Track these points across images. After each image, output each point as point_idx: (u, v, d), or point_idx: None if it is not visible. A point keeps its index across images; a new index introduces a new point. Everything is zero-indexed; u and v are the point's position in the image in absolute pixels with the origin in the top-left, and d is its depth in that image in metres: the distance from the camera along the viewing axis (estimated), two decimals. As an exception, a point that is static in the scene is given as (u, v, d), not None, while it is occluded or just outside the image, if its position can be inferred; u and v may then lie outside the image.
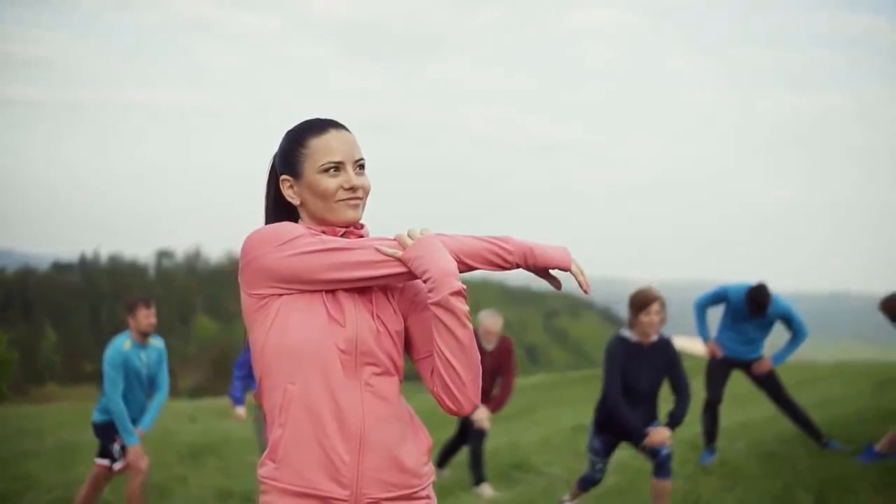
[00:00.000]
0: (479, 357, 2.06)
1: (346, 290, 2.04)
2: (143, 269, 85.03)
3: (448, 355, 2.00)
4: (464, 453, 7.25)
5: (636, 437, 5.12)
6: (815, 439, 6.92)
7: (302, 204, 2.14)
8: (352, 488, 2.00)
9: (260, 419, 6.77)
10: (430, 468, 2.13)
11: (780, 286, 6.99)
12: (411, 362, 2.17)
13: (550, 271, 2.14)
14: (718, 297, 6.99)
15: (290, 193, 2.14)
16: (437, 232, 2.09)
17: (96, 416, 6.09)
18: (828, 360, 17.52)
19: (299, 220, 2.16)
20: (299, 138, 2.13)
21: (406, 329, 2.13)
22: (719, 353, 6.98)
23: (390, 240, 2.06)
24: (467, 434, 7.02)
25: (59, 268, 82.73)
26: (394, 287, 2.13)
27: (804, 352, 7.39)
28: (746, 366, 7.02)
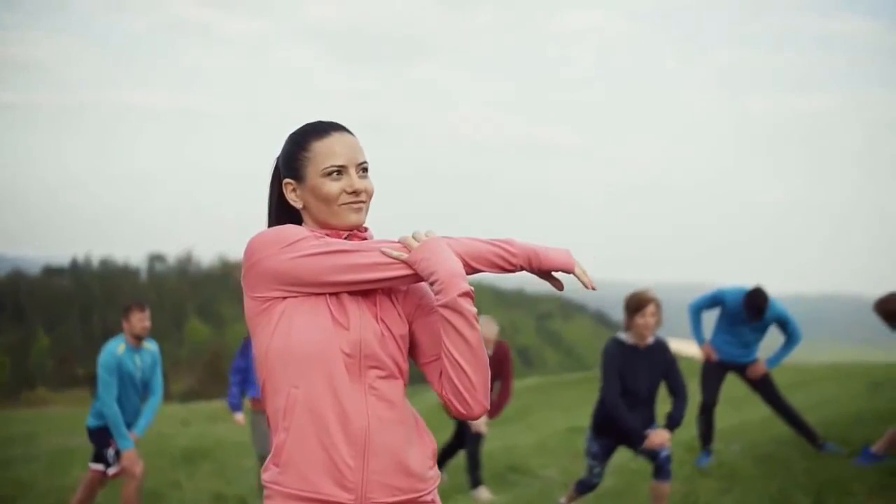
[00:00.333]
0: (488, 359, 2.05)
1: (350, 294, 2.03)
2: (135, 273, 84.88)
3: (457, 357, 1.99)
4: (460, 457, 7.24)
5: (636, 440, 5.11)
6: (810, 442, 6.92)
7: (305, 207, 2.12)
8: (357, 492, 1.98)
9: (257, 424, 6.75)
10: (435, 472, 2.11)
11: (773, 288, 6.99)
12: (417, 366, 2.15)
13: (553, 273, 2.14)
14: (714, 300, 6.99)
15: (293, 197, 2.13)
16: (442, 235, 2.07)
17: (91, 421, 6.06)
18: (821, 362, 17.55)
19: (302, 224, 2.14)
20: (302, 141, 2.12)
21: (412, 333, 2.11)
22: (714, 357, 6.98)
23: (395, 242, 2.05)
24: (464, 438, 7.01)
25: (51, 272, 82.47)
26: (398, 291, 2.11)
27: (797, 354, 7.39)
28: (741, 369, 7.02)
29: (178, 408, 19.44)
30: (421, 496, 2.05)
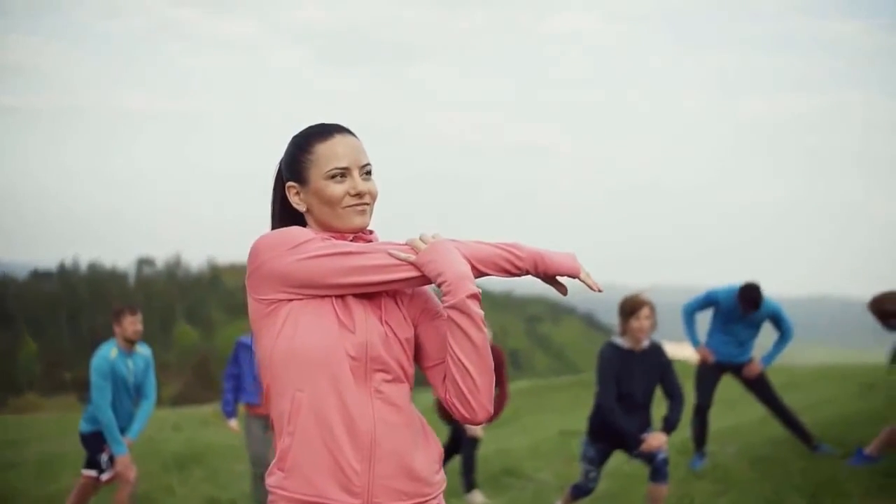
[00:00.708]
0: (493, 363, 2.03)
1: (355, 296, 2.01)
2: (123, 277, 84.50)
3: (463, 359, 1.97)
4: (454, 460, 7.22)
5: (632, 444, 5.10)
6: (805, 443, 6.93)
7: (308, 210, 2.10)
8: (363, 497, 1.96)
9: (250, 429, 6.72)
10: (441, 476, 2.09)
11: (766, 291, 7.00)
12: (421, 370, 2.13)
13: (558, 278, 2.12)
14: (708, 301, 7.00)
15: (296, 200, 2.10)
16: (449, 238, 2.06)
17: (83, 426, 6.01)
18: (809, 364, 17.61)
19: (306, 227, 2.12)
20: (304, 144, 2.10)
21: (416, 337, 2.09)
22: (711, 358, 6.98)
23: (402, 244, 2.03)
24: (459, 442, 7.00)
25: (38, 276, 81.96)
26: (403, 294, 2.10)
27: (792, 356, 7.41)
28: (737, 369, 7.02)
29: (168, 412, 19.33)
30: (427, 500, 2.04)
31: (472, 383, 1.98)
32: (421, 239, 2.02)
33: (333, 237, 2.05)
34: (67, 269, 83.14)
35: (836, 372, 14.36)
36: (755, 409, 8.38)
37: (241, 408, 7.04)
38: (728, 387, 7.62)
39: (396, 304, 2.07)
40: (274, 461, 2.02)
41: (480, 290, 1.98)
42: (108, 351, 5.87)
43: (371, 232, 2.13)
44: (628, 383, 5.15)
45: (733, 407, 9.83)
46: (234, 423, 6.90)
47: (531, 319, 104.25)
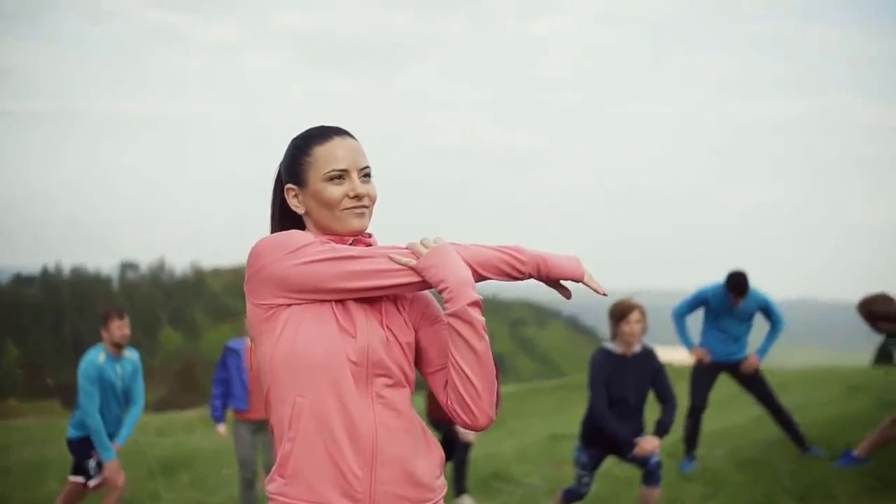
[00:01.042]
0: (495, 369, 2.01)
1: (356, 300, 1.99)
2: (107, 282, 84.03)
3: (464, 367, 1.95)
4: (446, 465, 7.20)
5: (625, 449, 5.10)
6: (797, 444, 6.95)
7: (307, 213, 2.08)
8: (365, 503, 1.94)
9: (239, 434, 6.68)
10: (442, 481, 2.08)
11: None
12: (422, 376, 2.11)
13: (561, 282, 2.10)
14: (697, 301, 7.02)
15: (294, 203, 2.09)
16: (450, 241, 2.04)
17: (71, 432, 5.96)
18: (796, 367, 17.69)
19: (305, 230, 2.10)
20: (303, 146, 2.08)
21: (417, 342, 2.07)
22: (707, 358, 6.99)
23: (403, 248, 2.01)
24: (451, 447, 6.98)
25: (21, 281, 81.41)
26: (403, 298, 2.08)
27: (772, 358, 7.44)
28: (733, 367, 7.02)
29: (153, 417, 19.18)
30: None
31: (474, 390, 1.97)
32: (422, 243, 2.01)
33: (333, 240, 2.03)
34: (50, 273, 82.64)
35: (822, 374, 14.42)
36: (743, 412, 8.42)
37: (229, 413, 7.00)
38: (717, 389, 7.62)
39: (397, 308, 2.06)
40: (274, 467, 2.00)
41: (482, 297, 1.96)
42: (96, 355, 5.83)
43: (370, 235, 2.11)
44: (620, 388, 5.15)
45: (721, 409, 9.85)
46: (222, 428, 6.85)
47: (515, 323, 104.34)
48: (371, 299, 2.01)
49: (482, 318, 1.96)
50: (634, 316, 5.15)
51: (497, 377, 6.60)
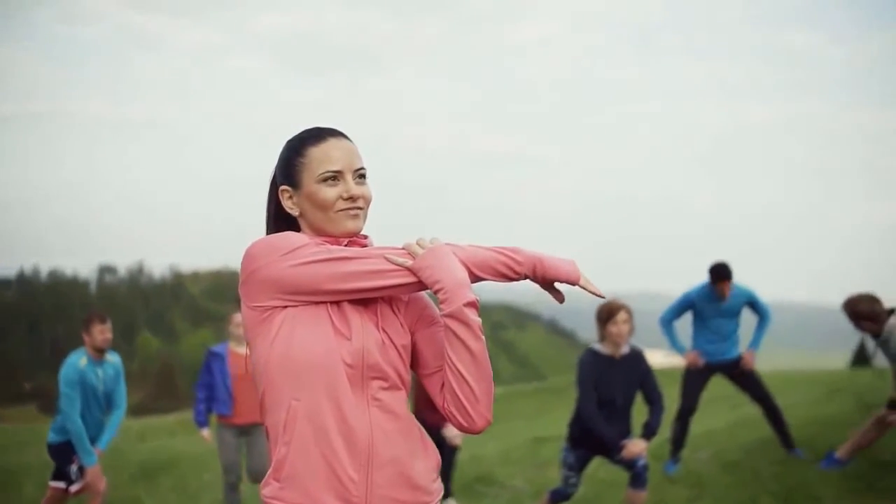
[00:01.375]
0: (491, 371, 2.00)
1: (351, 302, 1.97)
2: (85, 285, 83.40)
3: (461, 368, 1.93)
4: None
5: (613, 450, 5.10)
6: (784, 444, 6.97)
7: (301, 215, 2.06)
8: None
9: (222, 438, 6.63)
10: (439, 484, 2.06)
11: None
12: (418, 378, 2.09)
13: (556, 284, 2.09)
14: (683, 304, 7.01)
15: (288, 204, 2.07)
16: (446, 242, 2.03)
17: (52, 437, 5.89)
18: (776, 370, 17.80)
19: (300, 232, 2.08)
20: (297, 147, 2.06)
21: (413, 344, 2.06)
22: (701, 361, 6.99)
23: (399, 249, 1.99)
24: (441, 451, 6.96)
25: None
26: (399, 300, 2.06)
27: (765, 361, 7.46)
28: (727, 367, 7.03)
29: (132, 422, 19.07)
30: None
31: (471, 392, 1.95)
32: (418, 243, 1.99)
33: (327, 242, 2.01)
34: (27, 276, 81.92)
35: (802, 377, 14.53)
36: (726, 415, 8.45)
37: (213, 417, 6.95)
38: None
39: (393, 310, 2.04)
40: (269, 471, 1.97)
41: (479, 298, 1.95)
42: (78, 360, 5.77)
43: (366, 237, 2.10)
44: (608, 390, 5.15)
45: (704, 412, 9.87)
46: (206, 432, 6.79)
47: (495, 326, 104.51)
48: (366, 301, 1.99)
49: (479, 320, 1.94)
50: (621, 316, 5.15)
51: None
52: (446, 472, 6.92)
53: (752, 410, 8.99)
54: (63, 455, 5.84)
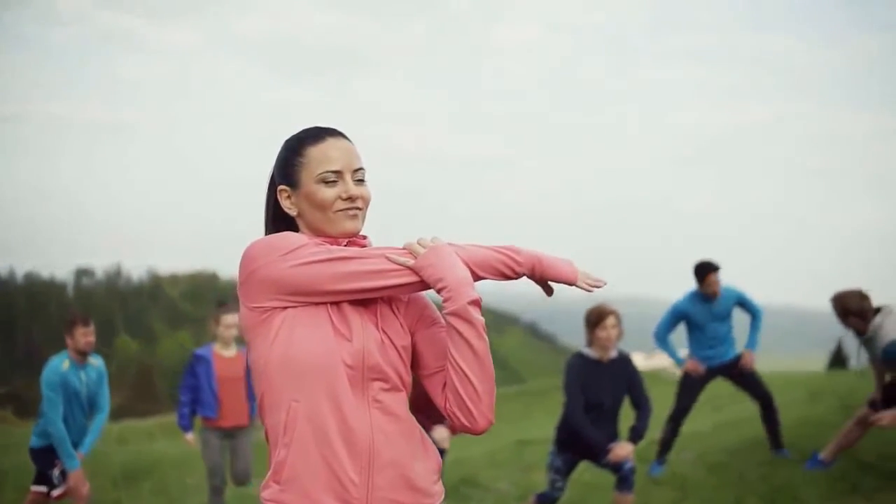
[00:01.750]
0: (494, 371, 1.99)
1: (351, 303, 1.95)
2: (62, 288, 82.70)
3: (464, 367, 1.92)
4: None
5: (600, 454, 5.10)
6: (773, 445, 6.99)
7: (300, 215, 2.05)
8: None
9: (207, 441, 6.58)
10: (440, 487, 2.04)
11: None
12: (419, 379, 2.08)
13: (551, 283, 2.09)
14: (675, 316, 6.99)
15: (287, 204, 2.05)
16: (446, 241, 2.02)
17: (34, 441, 5.82)
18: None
19: (298, 232, 2.06)
20: (296, 147, 2.05)
21: (414, 345, 2.04)
22: (701, 369, 7.00)
23: (400, 249, 1.98)
24: None
25: (-29, 287, 79.76)
26: (399, 301, 2.05)
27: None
28: (726, 368, 7.03)
29: (111, 425, 18.92)
30: None
31: (473, 391, 1.93)
32: (419, 243, 1.98)
33: (326, 242, 1.99)
34: (3, 278, 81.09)
35: (783, 379, 14.58)
36: (710, 417, 8.47)
37: (198, 420, 6.89)
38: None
39: (393, 311, 2.03)
40: (269, 473, 1.95)
41: (481, 297, 1.94)
42: (60, 363, 5.70)
43: (365, 237, 2.08)
44: (596, 393, 5.15)
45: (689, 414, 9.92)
46: (190, 436, 6.73)
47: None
48: (366, 302, 1.98)
49: (482, 318, 1.93)
50: (610, 321, 5.16)
51: None
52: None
53: (737, 412, 9.05)
54: (45, 459, 5.77)
